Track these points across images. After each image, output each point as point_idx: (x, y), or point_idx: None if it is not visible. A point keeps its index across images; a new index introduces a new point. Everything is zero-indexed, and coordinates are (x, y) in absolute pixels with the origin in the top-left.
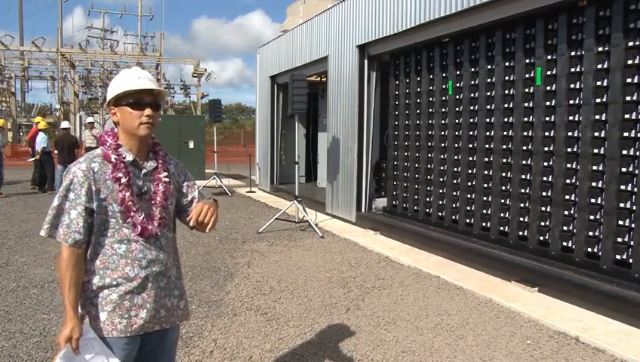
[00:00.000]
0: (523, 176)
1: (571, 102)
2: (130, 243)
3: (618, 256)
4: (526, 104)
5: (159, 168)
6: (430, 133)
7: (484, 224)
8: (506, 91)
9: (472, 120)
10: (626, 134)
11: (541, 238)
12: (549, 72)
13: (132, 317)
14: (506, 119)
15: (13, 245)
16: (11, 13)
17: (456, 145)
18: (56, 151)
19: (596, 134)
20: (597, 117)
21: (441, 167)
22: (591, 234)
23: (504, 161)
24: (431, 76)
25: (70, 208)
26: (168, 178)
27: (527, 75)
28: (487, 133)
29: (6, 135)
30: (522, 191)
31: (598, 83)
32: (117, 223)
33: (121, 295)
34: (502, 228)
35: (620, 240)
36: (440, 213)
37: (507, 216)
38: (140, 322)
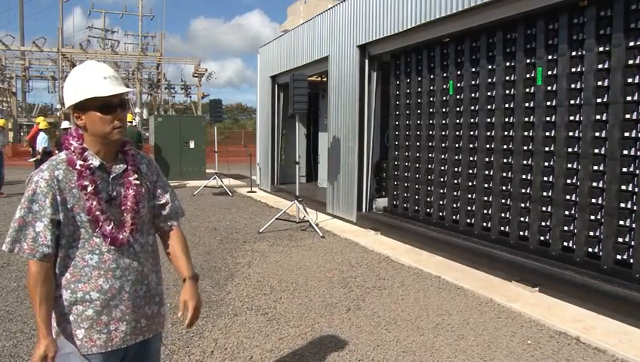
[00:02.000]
0: (524, 176)
1: (572, 102)
2: (102, 254)
3: (619, 256)
4: (527, 104)
5: (129, 170)
6: (431, 133)
7: (484, 224)
8: (507, 91)
9: (472, 120)
10: (626, 134)
11: (542, 238)
12: (549, 72)
13: (112, 332)
14: (506, 119)
15: None
16: (12, 13)
17: (456, 145)
18: (57, 151)
19: (597, 134)
20: (598, 117)
21: (442, 167)
22: (591, 234)
23: (505, 161)
24: (432, 76)
25: (34, 220)
26: (139, 180)
27: (527, 75)
28: (488, 133)
29: (7, 135)
30: (523, 191)
31: (599, 83)
32: (87, 233)
33: (97, 310)
34: (502, 228)
35: (620, 240)
36: (441, 213)
37: (508, 216)
38: (120, 335)
